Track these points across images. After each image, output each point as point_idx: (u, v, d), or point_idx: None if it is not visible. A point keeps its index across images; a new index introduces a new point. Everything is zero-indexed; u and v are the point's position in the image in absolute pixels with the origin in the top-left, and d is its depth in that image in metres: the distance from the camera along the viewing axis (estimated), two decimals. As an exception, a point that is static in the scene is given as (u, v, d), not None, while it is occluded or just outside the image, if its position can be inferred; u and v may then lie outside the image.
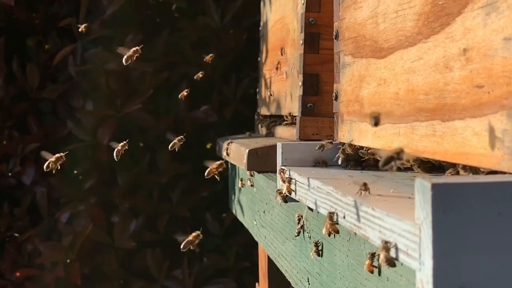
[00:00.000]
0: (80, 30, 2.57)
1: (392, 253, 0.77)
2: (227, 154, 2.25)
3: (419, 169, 1.15)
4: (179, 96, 2.43)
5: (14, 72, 3.07)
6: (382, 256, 0.78)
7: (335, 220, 1.01)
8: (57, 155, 1.90)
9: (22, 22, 3.15)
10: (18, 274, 3.04)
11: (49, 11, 3.16)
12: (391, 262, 0.78)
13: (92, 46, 3.05)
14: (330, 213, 1.02)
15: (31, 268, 3.02)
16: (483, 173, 0.87)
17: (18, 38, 3.18)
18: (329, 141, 1.37)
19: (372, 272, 0.95)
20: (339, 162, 1.37)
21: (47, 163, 1.91)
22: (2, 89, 3.03)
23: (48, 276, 2.92)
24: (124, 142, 1.96)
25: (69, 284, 2.91)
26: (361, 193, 0.96)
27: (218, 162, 1.89)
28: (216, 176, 1.89)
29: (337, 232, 1.04)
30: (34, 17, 3.16)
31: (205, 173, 1.89)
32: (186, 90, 2.39)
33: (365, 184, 0.96)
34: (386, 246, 0.78)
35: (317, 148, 1.36)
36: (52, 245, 2.94)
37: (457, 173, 0.97)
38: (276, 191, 1.40)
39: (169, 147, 2.09)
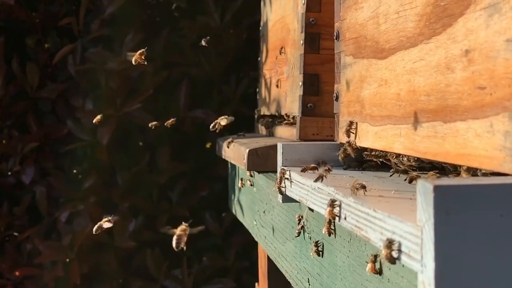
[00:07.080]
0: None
1: (395, 252, 0.77)
2: (228, 147, 2.25)
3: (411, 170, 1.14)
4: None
5: (13, 71, 3.07)
6: (384, 253, 0.78)
7: (336, 205, 1.00)
8: None
9: (21, 21, 3.15)
10: (17, 273, 3.04)
11: (48, 10, 3.16)
12: (392, 259, 0.78)
13: (92, 45, 3.05)
14: (332, 200, 1.02)
15: (30, 267, 3.02)
16: (485, 175, 0.87)
17: (17, 37, 3.18)
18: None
19: (375, 273, 0.95)
20: (340, 163, 1.37)
21: None
22: (1, 88, 3.03)
23: (48, 276, 2.92)
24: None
25: (68, 283, 2.90)
26: (355, 192, 0.96)
27: None
28: None
29: (337, 215, 1.01)
30: (33, 16, 3.16)
31: None
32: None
33: (363, 187, 0.96)
34: (389, 244, 0.78)
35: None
36: (52, 244, 2.94)
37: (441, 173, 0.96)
38: (275, 183, 1.39)
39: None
